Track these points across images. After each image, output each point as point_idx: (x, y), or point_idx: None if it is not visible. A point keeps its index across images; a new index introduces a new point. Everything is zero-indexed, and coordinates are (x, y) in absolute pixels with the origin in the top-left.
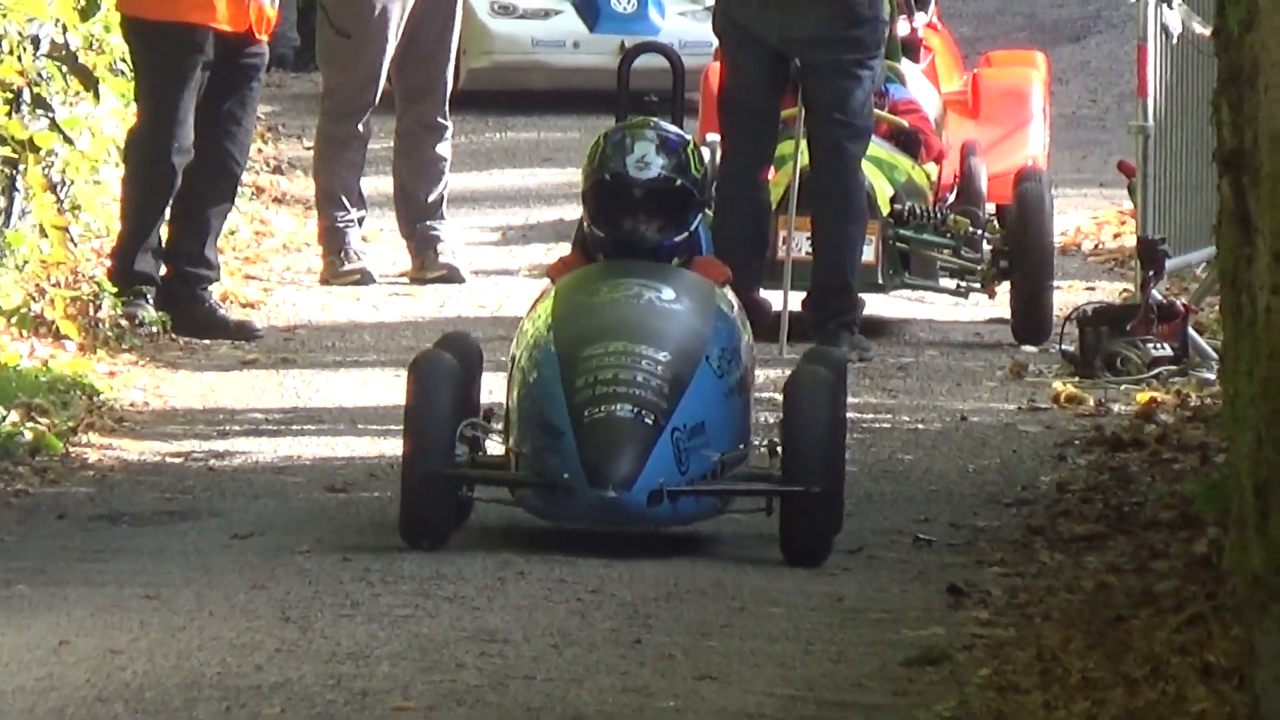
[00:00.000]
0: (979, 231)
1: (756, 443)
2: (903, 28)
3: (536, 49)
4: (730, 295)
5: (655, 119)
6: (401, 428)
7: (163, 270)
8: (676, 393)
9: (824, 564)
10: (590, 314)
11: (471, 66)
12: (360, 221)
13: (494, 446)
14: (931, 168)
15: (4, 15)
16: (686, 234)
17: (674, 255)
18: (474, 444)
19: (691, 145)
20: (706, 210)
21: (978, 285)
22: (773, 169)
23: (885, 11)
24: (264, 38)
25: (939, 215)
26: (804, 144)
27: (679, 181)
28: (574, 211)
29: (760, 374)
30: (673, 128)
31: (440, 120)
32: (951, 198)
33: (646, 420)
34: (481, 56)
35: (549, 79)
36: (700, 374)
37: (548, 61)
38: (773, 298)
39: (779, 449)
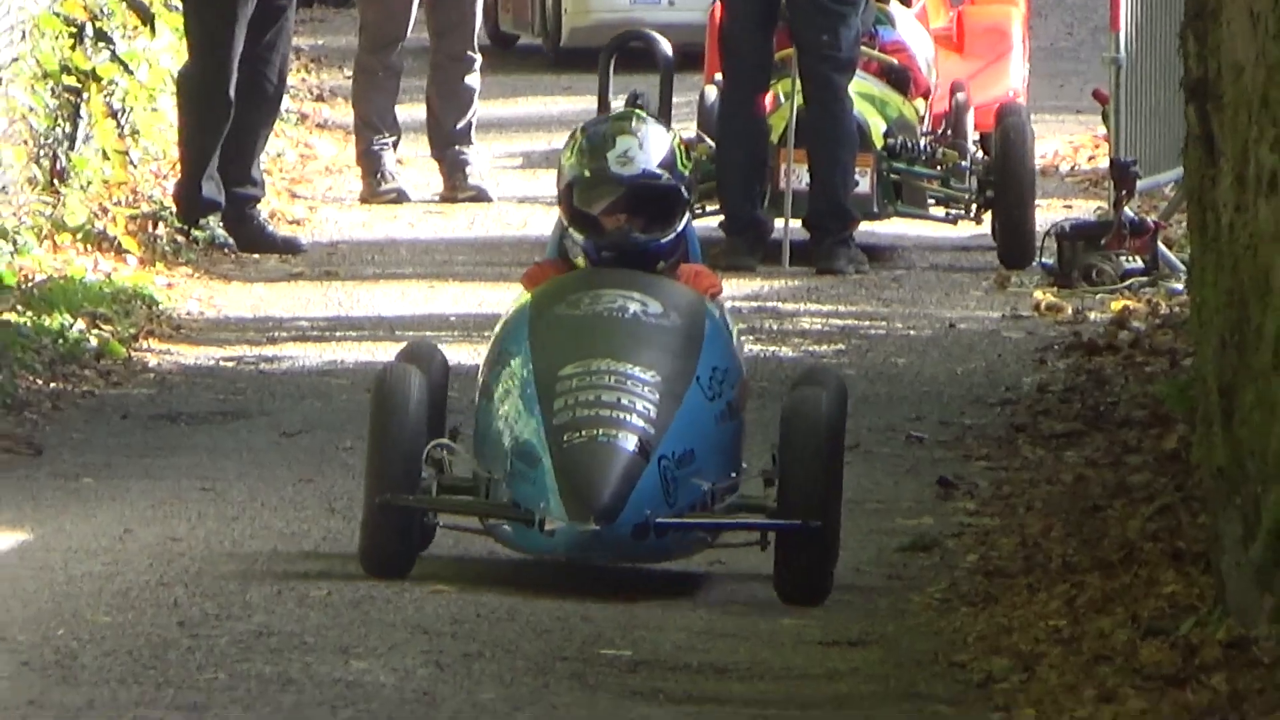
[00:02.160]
0: (966, 164)
1: (746, 466)
2: None
3: (634, 7)
4: (723, 307)
5: (640, 111)
6: (368, 441)
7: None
8: (665, 418)
9: (824, 602)
10: (570, 328)
11: (573, 25)
12: (395, 145)
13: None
14: (920, 103)
15: None
16: (674, 235)
17: (660, 259)
18: (439, 465)
19: (678, 139)
20: (693, 210)
21: (965, 213)
22: (770, 103)
23: None
24: None
25: (929, 149)
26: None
27: (666, 178)
28: None
29: (763, 284)
30: (658, 122)
31: (469, 54)
32: (940, 133)
33: (632, 448)
34: (582, 15)
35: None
36: (691, 397)
37: (644, 18)
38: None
39: (775, 479)
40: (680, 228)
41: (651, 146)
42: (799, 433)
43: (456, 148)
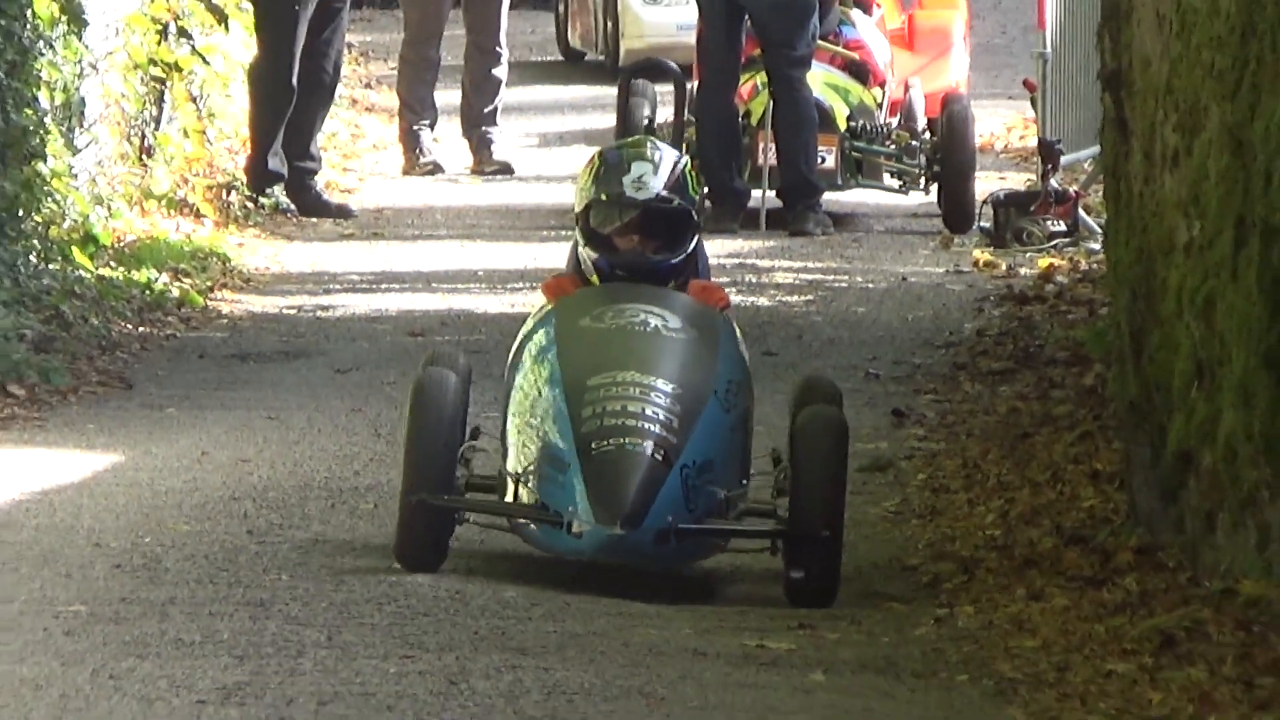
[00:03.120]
0: (916, 143)
1: (754, 474)
2: None
3: (681, 32)
4: (731, 319)
5: (653, 139)
6: (405, 444)
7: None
8: (687, 428)
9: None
10: (596, 340)
11: (628, 48)
12: (432, 125)
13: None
14: (878, 91)
15: None
16: (684, 256)
17: (671, 278)
18: (469, 465)
19: (689, 166)
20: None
21: (915, 185)
22: (749, 91)
23: None
24: None
25: (885, 130)
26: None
27: (677, 202)
28: (597, 120)
29: (743, 245)
30: (671, 149)
31: (497, 49)
32: (895, 122)
33: (656, 456)
34: (636, 39)
35: (691, 56)
36: (709, 409)
37: (689, 42)
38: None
39: (785, 489)
40: (690, 248)
41: (664, 171)
42: (810, 449)
43: (484, 128)
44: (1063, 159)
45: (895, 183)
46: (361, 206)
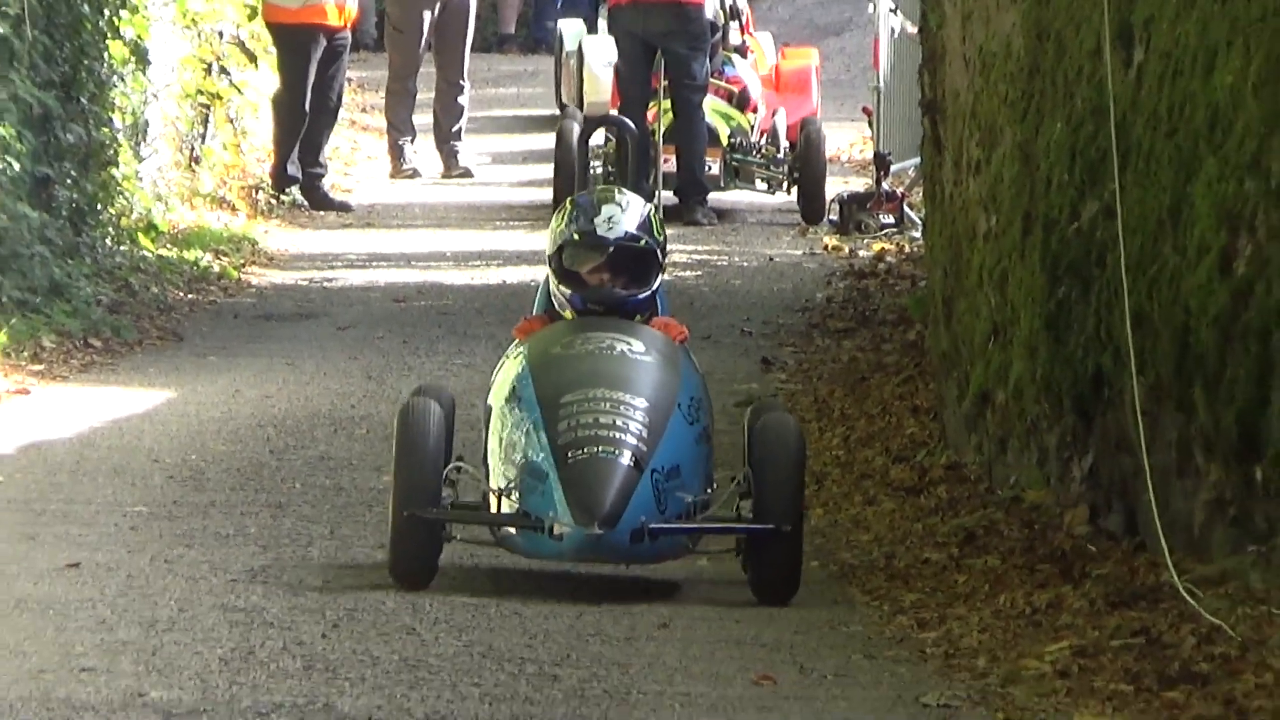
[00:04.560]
0: (781, 156)
1: (715, 487)
2: (735, 38)
3: None
4: (689, 352)
5: (620, 187)
6: (394, 463)
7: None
8: (654, 437)
9: (792, 600)
10: (567, 364)
11: (589, 101)
12: (412, 140)
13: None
14: (752, 116)
15: (201, 18)
16: (650, 292)
17: (638, 312)
18: (454, 485)
19: (653, 210)
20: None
21: (780, 187)
22: (653, 116)
23: (714, 16)
24: (348, 28)
25: (757, 146)
26: (668, 103)
27: (644, 241)
28: (539, 142)
29: None
30: (638, 196)
31: (460, 81)
32: (765, 140)
33: (628, 462)
34: (596, 94)
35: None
36: (674, 420)
37: None
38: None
39: (749, 491)
40: (655, 286)
41: (632, 213)
42: (772, 447)
43: (451, 143)
44: (892, 167)
45: (764, 186)
46: (358, 203)
